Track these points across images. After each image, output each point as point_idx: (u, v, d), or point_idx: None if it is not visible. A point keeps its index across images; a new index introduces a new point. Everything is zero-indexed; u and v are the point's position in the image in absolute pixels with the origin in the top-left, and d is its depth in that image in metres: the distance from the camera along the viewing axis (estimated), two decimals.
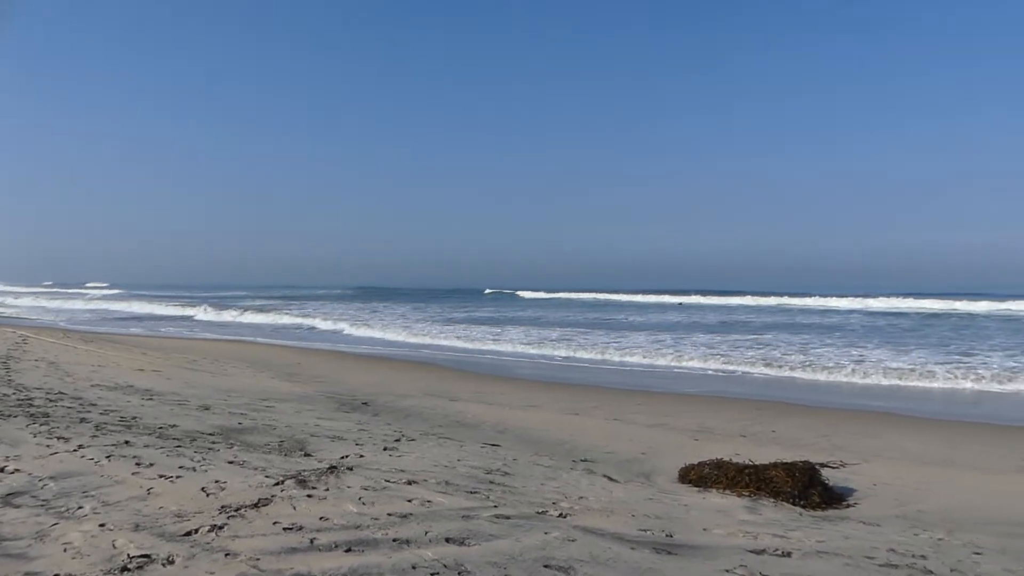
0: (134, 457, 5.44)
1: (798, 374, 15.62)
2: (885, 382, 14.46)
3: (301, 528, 3.97)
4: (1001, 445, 8.85)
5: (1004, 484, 6.90)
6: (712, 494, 6.06)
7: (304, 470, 5.44)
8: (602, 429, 9.36)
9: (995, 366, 15.74)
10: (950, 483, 6.89)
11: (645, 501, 5.57)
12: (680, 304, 54.49)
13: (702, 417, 10.49)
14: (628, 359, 18.36)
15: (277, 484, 4.90)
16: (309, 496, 4.66)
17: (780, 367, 16.35)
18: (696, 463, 6.75)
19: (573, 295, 73.73)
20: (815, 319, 35.87)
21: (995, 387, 13.64)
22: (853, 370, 15.46)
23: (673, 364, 17.41)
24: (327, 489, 4.89)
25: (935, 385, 14.02)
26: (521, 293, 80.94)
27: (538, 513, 4.81)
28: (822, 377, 15.25)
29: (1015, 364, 16.10)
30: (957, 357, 17.64)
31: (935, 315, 38.31)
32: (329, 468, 5.56)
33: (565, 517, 4.77)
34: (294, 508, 4.37)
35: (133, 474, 4.95)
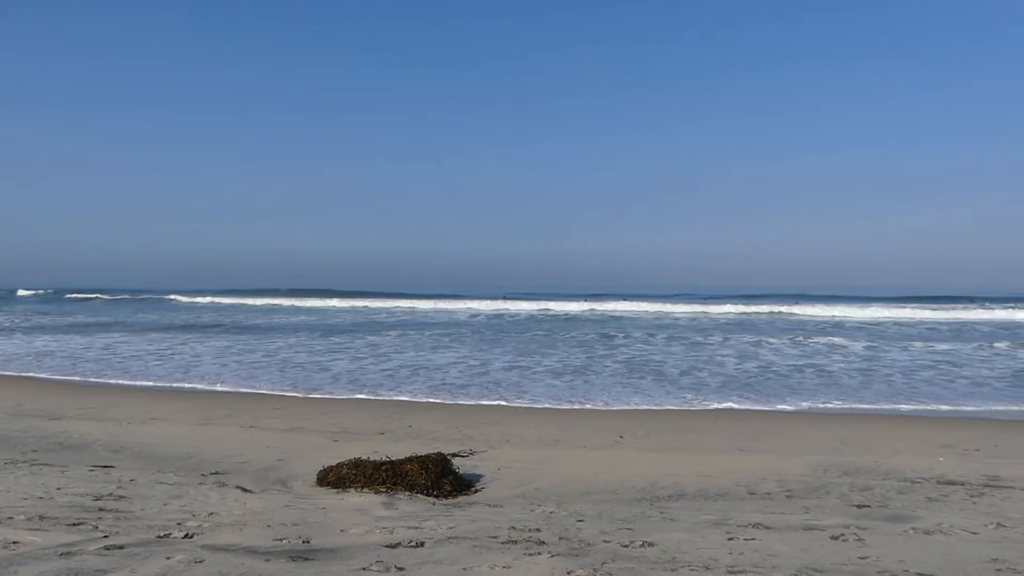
0: None
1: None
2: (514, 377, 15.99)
3: None
4: (604, 427, 10.30)
5: (604, 458, 8.02)
6: (351, 494, 6.05)
7: None
8: (235, 438, 8.81)
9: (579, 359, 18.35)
10: (561, 461, 7.80)
11: (282, 509, 5.34)
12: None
13: (341, 418, 10.47)
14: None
15: None
16: None
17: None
18: (335, 464, 6.68)
19: None
20: (442, 318, 38.34)
21: (592, 378, 15.88)
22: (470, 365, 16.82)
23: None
24: None
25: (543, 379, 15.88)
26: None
27: (159, 537, 4.31)
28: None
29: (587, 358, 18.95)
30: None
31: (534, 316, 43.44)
32: None
33: (191, 537, 4.34)
34: None
35: None
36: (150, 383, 14.11)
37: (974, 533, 4.71)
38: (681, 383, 14.59)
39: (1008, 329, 31.63)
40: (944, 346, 22.43)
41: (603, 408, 11.78)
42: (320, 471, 6.67)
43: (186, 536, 4.37)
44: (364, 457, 6.84)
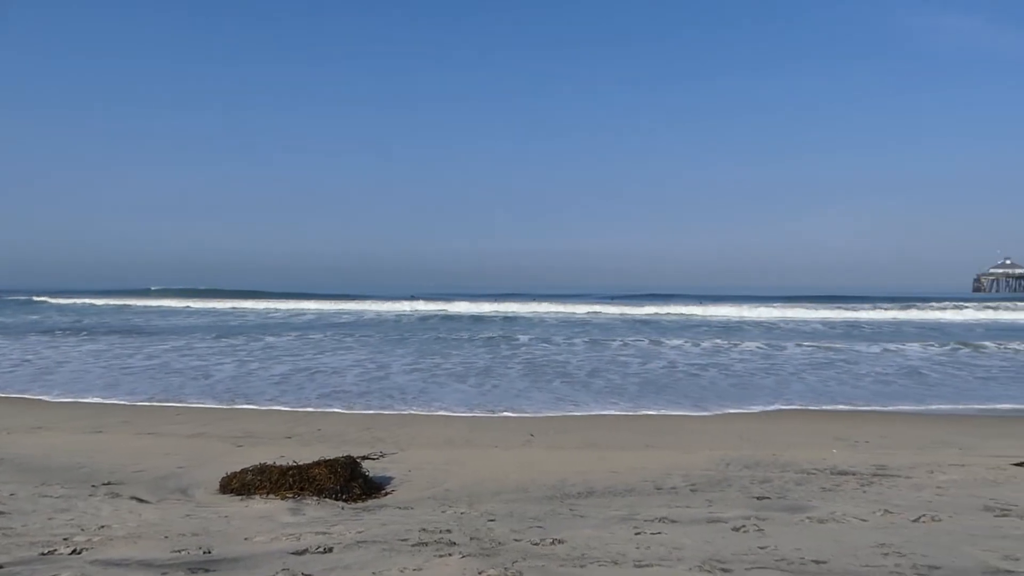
0: None
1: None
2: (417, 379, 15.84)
3: None
4: (514, 426, 10.34)
5: (514, 457, 8.04)
6: (256, 500, 5.85)
7: None
8: (131, 446, 8.38)
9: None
10: (472, 461, 7.78)
11: (181, 519, 5.10)
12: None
13: (247, 423, 10.12)
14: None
15: None
16: None
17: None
18: (239, 470, 6.44)
19: None
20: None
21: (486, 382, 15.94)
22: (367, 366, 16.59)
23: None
24: None
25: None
26: None
27: (43, 554, 4.04)
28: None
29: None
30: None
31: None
32: None
33: (80, 553, 4.09)
34: None
35: None
36: None
37: (864, 520, 4.97)
38: (590, 384, 14.83)
39: (894, 327, 33.72)
40: (838, 344, 23.68)
41: (512, 410, 11.82)
42: (223, 478, 6.42)
43: (74, 552, 4.11)
44: (270, 462, 6.62)
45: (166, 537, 4.53)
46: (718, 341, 24.62)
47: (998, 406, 12.17)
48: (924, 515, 5.04)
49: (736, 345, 23.04)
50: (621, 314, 44.41)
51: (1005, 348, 22.09)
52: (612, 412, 11.55)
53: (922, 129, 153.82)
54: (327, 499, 5.96)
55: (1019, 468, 7.02)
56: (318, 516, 5.31)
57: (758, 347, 22.51)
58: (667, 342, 24.31)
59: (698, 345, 23.40)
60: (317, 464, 6.37)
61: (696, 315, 43.47)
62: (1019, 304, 51.49)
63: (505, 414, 11.27)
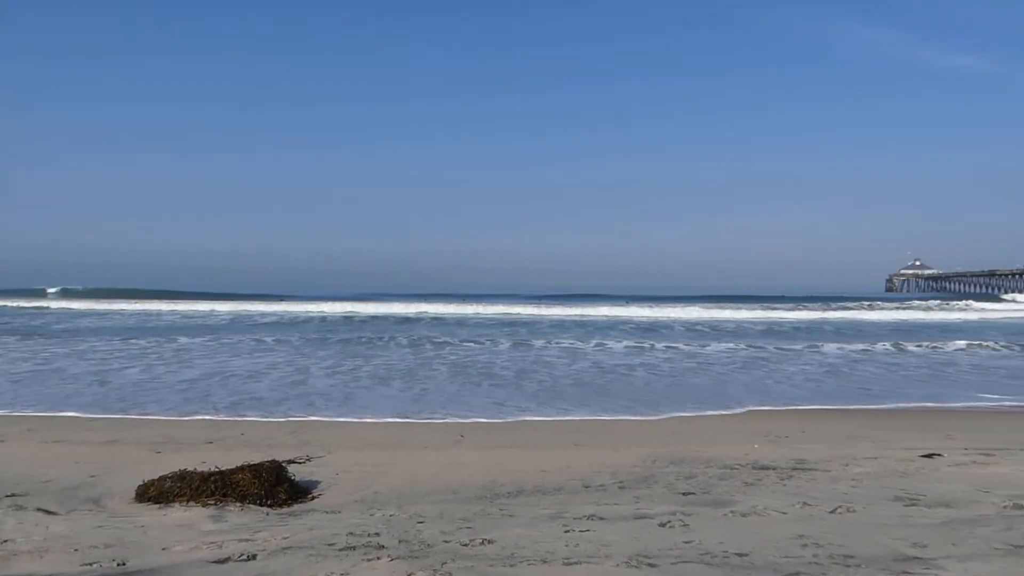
0: None
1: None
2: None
3: None
4: (444, 427, 10.27)
5: (444, 458, 7.99)
6: (175, 509, 5.63)
7: None
8: (37, 454, 7.95)
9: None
10: (402, 463, 7.69)
11: (93, 530, 4.87)
12: None
13: (166, 428, 9.76)
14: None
15: None
16: None
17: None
18: (157, 478, 6.19)
19: None
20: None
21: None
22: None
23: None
24: None
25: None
26: None
27: None
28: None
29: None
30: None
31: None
32: None
33: None
34: None
35: None
36: None
37: (784, 513, 5.14)
38: (519, 385, 14.89)
39: (814, 326, 35.05)
40: (760, 343, 24.46)
41: (441, 412, 11.75)
42: (140, 486, 6.15)
43: None
44: (191, 468, 6.39)
45: (76, 550, 4.31)
46: (645, 341, 25.07)
47: (907, 404, 12.79)
48: (840, 506, 5.24)
49: (653, 346, 23.22)
50: (549, 315, 44.67)
51: (916, 347, 23.24)
52: (541, 413, 11.61)
53: (836, 136, 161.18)
54: (251, 505, 5.79)
55: (927, 460, 7.38)
56: (241, 523, 5.16)
57: (684, 346, 23.04)
58: (593, 342, 24.63)
59: (621, 343, 23.82)
60: (241, 469, 6.18)
61: (622, 315, 44.08)
62: (931, 304, 54.54)
63: (433, 415, 11.18)
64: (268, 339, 24.44)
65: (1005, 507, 5.19)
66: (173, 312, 45.03)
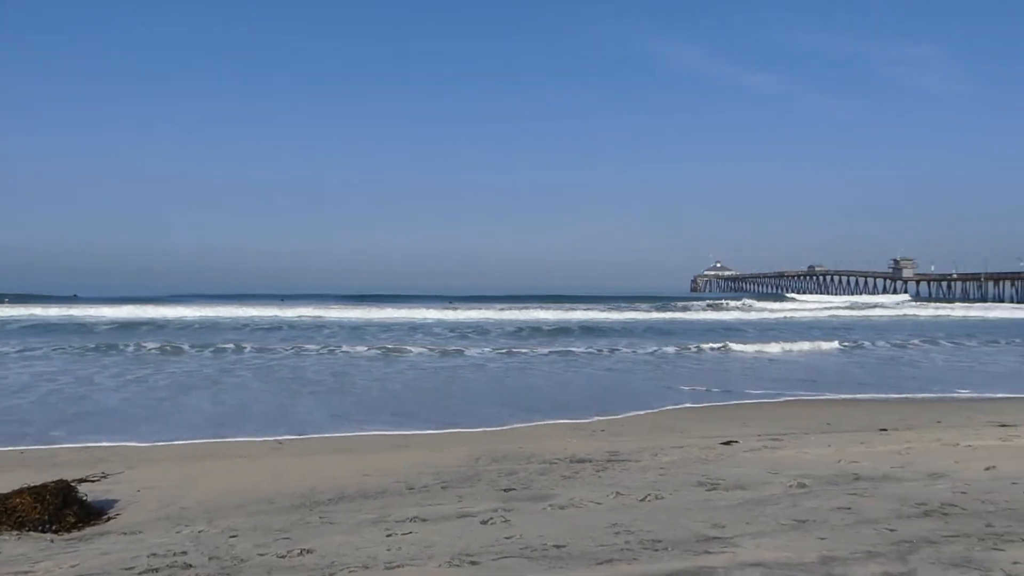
0: None
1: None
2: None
3: None
4: (261, 434, 9.75)
5: (260, 467, 7.60)
6: None
7: None
8: None
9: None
10: (214, 475, 7.21)
11: None
12: None
13: None
14: None
15: None
16: None
17: None
18: None
19: None
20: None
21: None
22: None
23: None
24: None
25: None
26: None
27: None
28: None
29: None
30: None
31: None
32: None
33: None
34: None
35: None
36: None
37: (599, 503, 5.37)
38: (337, 390, 14.56)
39: (618, 325, 37.15)
40: (573, 342, 25.53)
41: (257, 420, 11.19)
42: None
43: None
44: None
45: None
46: (450, 346, 25.25)
47: (712, 398, 13.90)
48: (649, 494, 5.56)
49: (463, 352, 22.34)
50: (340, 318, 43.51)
51: (717, 346, 25.30)
52: (365, 424, 11.39)
53: (649, 145, 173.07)
54: (32, 532, 5.16)
55: (726, 447, 8.05)
56: (19, 554, 4.58)
57: (493, 351, 22.72)
58: (406, 346, 24.55)
59: (436, 348, 23.95)
60: (19, 492, 5.49)
61: (428, 318, 42.88)
62: (731, 303, 59.73)
63: (252, 421, 10.61)
64: (42, 349, 22.06)
65: (791, 486, 5.76)
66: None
